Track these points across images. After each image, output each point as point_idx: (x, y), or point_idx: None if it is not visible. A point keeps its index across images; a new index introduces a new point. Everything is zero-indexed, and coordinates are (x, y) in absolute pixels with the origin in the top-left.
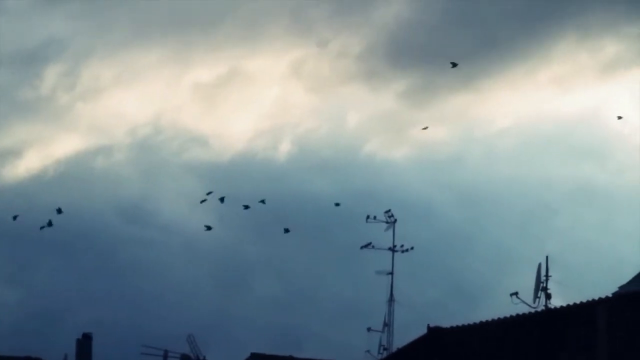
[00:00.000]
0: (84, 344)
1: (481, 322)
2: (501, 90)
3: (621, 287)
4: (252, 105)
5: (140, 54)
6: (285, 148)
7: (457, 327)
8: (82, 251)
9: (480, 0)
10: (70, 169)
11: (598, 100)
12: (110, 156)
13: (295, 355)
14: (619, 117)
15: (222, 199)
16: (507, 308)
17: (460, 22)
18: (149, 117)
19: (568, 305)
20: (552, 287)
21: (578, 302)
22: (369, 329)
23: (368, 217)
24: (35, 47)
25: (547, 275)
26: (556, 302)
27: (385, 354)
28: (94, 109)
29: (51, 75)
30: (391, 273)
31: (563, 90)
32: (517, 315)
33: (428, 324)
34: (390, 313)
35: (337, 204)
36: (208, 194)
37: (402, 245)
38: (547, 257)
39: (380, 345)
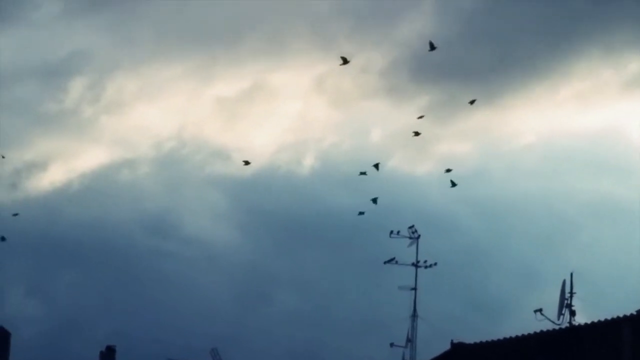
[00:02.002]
0: (108, 356)
1: (505, 339)
2: (523, 107)
3: None
4: (274, 120)
5: (164, 68)
6: (308, 162)
7: (481, 343)
8: (106, 264)
9: (502, 17)
10: (94, 182)
11: (620, 116)
12: (134, 169)
13: None
14: None
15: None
16: (531, 324)
17: (483, 38)
18: (172, 130)
19: (592, 323)
20: (576, 303)
21: (603, 319)
22: (391, 345)
23: (392, 232)
24: (60, 60)
25: (571, 292)
26: (580, 319)
27: None
28: (118, 122)
29: (76, 88)
30: (414, 288)
31: (585, 107)
32: (541, 331)
33: (451, 340)
34: (413, 328)
35: (362, 213)
36: None
37: (425, 261)
38: (571, 274)
39: None
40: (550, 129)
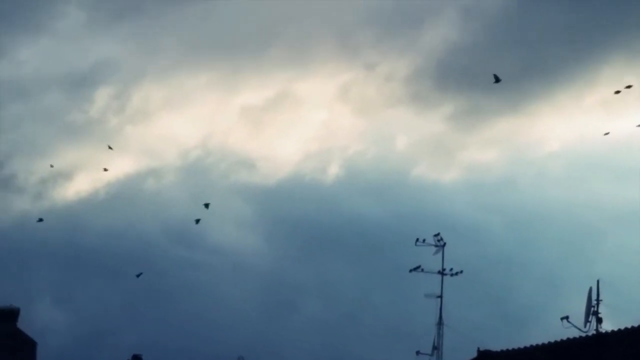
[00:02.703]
0: None
1: (531, 346)
2: (548, 114)
3: None
4: (299, 128)
5: (190, 77)
6: (333, 171)
7: (507, 350)
8: (132, 273)
9: (527, 24)
10: (120, 192)
11: None
12: (160, 178)
13: None
14: None
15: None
16: (558, 332)
17: (507, 45)
18: (198, 139)
19: (619, 330)
20: (603, 310)
21: (629, 326)
22: (417, 353)
23: (417, 240)
24: (86, 70)
25: (598, 299)
26: (607, 326)
27: None
28: (144, 132)
29: (101, 97)
30: (440, 296)
31: (610, 114)
32: (568, 339)
33: (478, 348)
34: (439, 336)
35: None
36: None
37: (451, 269)
38: (597, 281)
39: None
40: (575, 136)
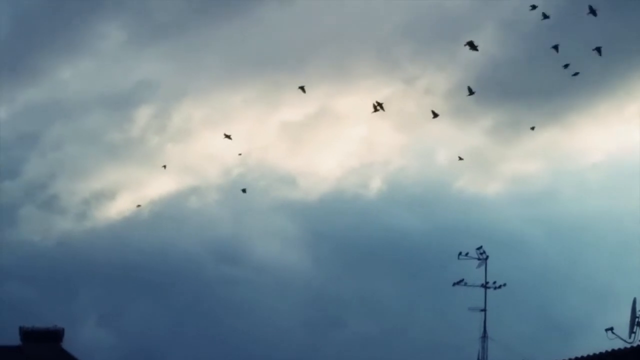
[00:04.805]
0: None
1: (575, 358)
2: (588, 125)
3: None
4: (340, 144)
5: (230, 95)
6: (375, 185)
7: None
8: (176, 291)
9: (565, 36)
10: (162, 210)
11: None
12: (202, 196)
13: None
14: None
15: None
16: (602, 343)
17: (546, 57)
18: (238, 157)
19: None
20: None
21: None
22: None
23: (460, 253)
24: (127, 90)
25: None
26: None
27: None
28: (185, 150)
29: (142, 117)
30: (484, 310)
31: None
32: (613, 350)
33: None
34: (483, 350)
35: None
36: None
37: (494, 282)
38: None
39: None
40: (617, 146)
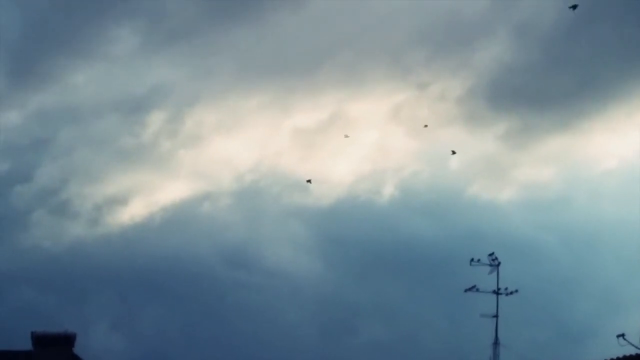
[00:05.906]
0: None
1: None
2: (601, 132)
3: None
4: (353, 149)
5: (243, 100)
6: (387, 191)
7: None
8: (188, 296)
9: (578, 42)
10: (175, 216)
11: None
12: (215, 202)
13: None
14: None
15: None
16: (614, 350)
17: (559, 64)
18: (251, 162)
19: None
20: None
21: None
22: None
23: (472, 260)
24: (139, 95)
25: None
26: None
27: None
28: (198, 155)
29: (155, 122)
30: (496, 316)
31: None
32: (624, 356)
33: None
34: (495, 356)
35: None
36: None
37: (506, 288)
38: None
39: None
40: (630, 152)
